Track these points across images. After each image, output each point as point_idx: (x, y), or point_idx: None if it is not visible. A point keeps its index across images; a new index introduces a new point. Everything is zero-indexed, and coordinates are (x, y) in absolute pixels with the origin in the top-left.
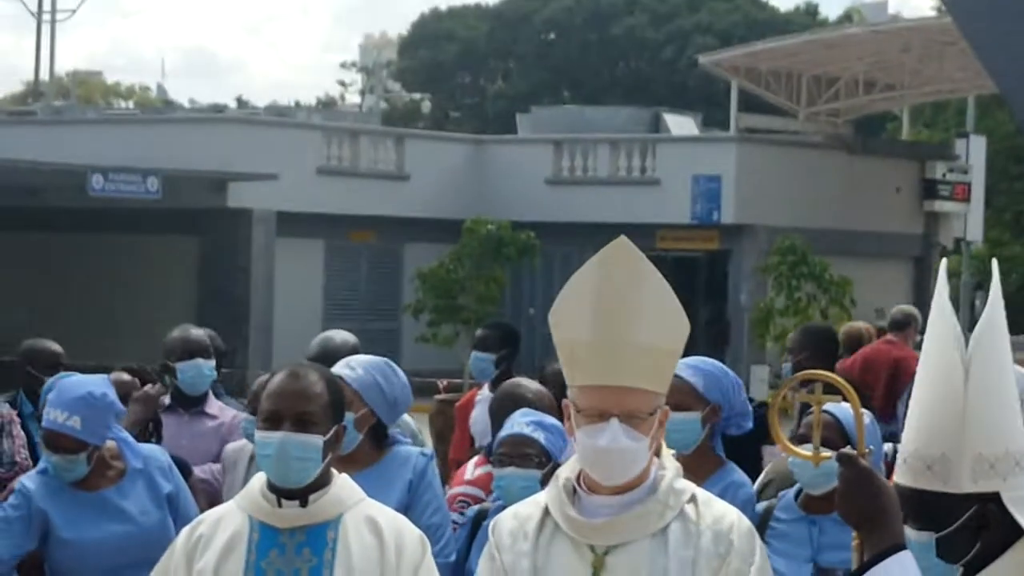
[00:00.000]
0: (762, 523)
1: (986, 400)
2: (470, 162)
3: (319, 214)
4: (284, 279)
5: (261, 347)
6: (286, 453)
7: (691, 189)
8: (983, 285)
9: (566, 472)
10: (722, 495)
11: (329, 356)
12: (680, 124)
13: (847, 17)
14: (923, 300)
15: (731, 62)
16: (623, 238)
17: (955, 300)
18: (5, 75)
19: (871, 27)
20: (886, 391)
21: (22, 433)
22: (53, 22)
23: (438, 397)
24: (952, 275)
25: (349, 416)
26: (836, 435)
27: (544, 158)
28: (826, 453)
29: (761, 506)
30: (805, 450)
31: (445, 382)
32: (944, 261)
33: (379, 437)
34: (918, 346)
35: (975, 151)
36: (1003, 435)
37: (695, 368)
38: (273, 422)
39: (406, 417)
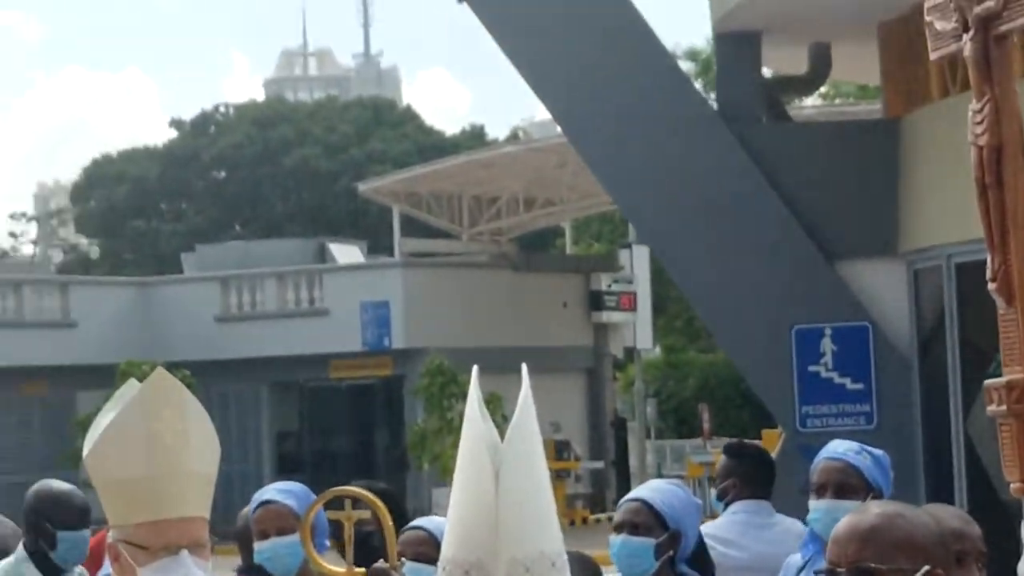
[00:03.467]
0: None
1: (518, 503)
2: (136, 305)
3: None
4: None
5: None
6: None
7: (360, 317)
8: (659, 393)
9: None
10: None
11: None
12: (345, 253)
13: (514, 137)
14: (598, 410)
15: (390, 188)
16: (161, 370)
17: (630, 407)
18: None
19: (526, 145)
20: None
21: None
22: None
23: None
24: (630, 384)
25: None
26: (430, 548)
27: (211, 296)
28: (359, 569)
29: None
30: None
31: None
32: (476, 369)
33: None
34: None
35: (639, 261)
36: (537, 537)
37: (286, 492)
38: None
39: None
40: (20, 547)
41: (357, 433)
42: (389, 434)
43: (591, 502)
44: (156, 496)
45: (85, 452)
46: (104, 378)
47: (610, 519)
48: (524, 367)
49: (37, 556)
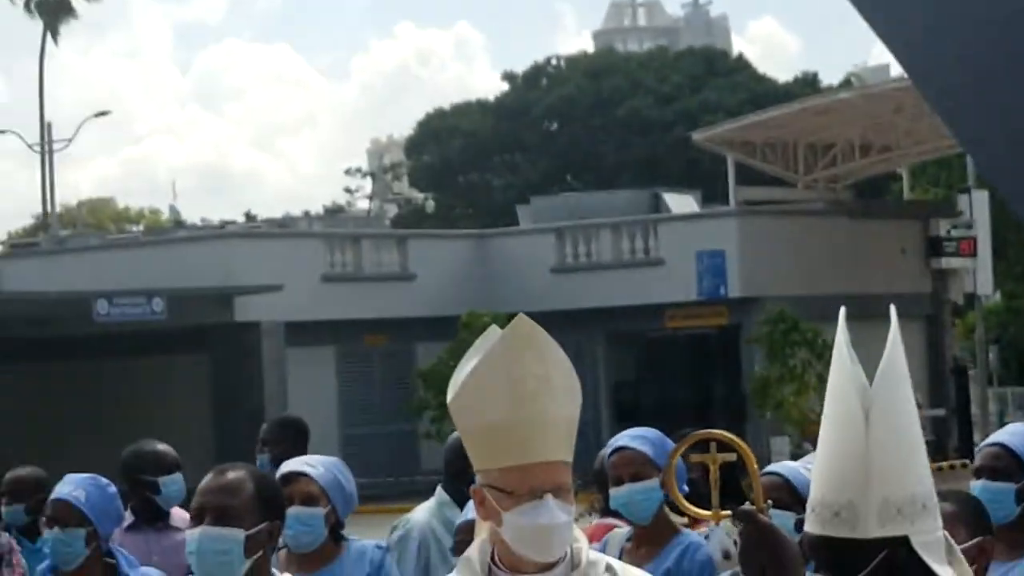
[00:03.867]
0: None
1: (888, 445)
2: (473, 257)
3: (327, 321)
4: (297, 388)
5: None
6: (204, 548)
7: (695, 266)
8: (1000, 339)
9: (475, 554)
10: (680, 558)
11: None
12: (680, 202)
13: (848, 83)
14: (938, 358)
15: (724, 136)
16: (522, 316)
17: (971, 354)
18: (19, 209)
19: (861, 91)
20: None
21: (23, 562)
22: (51, 152)
23: None
24: (970, 330)
25: (318, 512)
26: (786, 495)
27: (547, 247)
28: (725, 512)
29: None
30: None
31: None
32: (843, 311)
33: (335, 534)
34: None
35: (978, 206)
36: (908, 479)
37: (641, 438)
38: (197, 519)
39: None
40: (440, 490)
41: (694, 382)
42: (726, 383)
43: (933, 450)
44: (519, 441)
45: (449, 398)
46: (442, 330)
47: (952, 467)
48: (893, 308)
49: (458, 500)
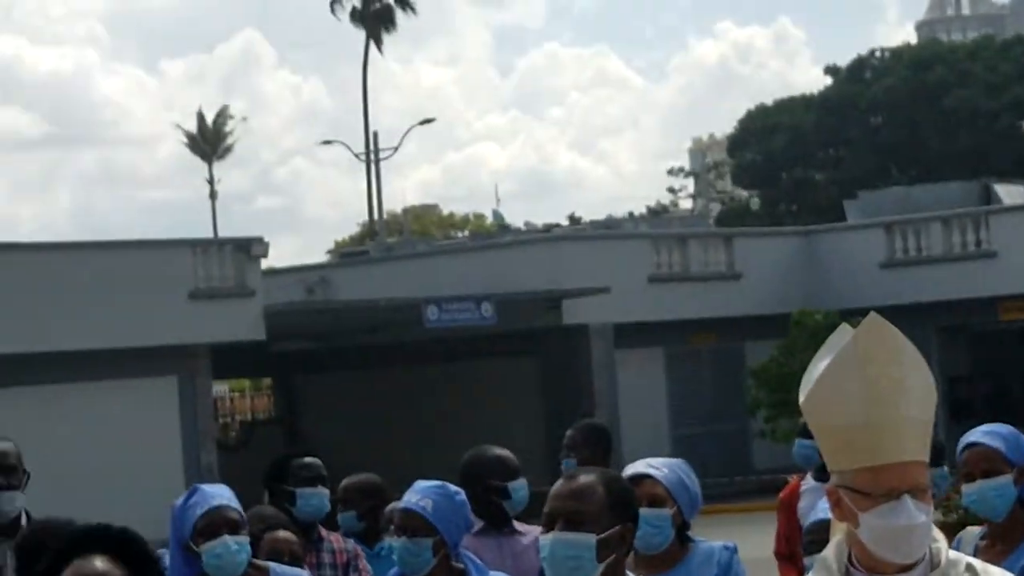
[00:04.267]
0: None
1: None
2: (800, 254)
3: (655, 322)
4: (627, 390)
5: (612, 459)
6: (556, 553)
7: None
8: None
9: (831, 555)
10: None
11: None
12: (1011, 193)
13: None
14: None
15: None
16: (874, 314)
17: None
18: (346, 217)
19: None
20: None
21: (368, 567)
22: (377, 161)
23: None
24: None
25: (664, 513)
26: None
27: (875, 242)
28: None
29: None
30: None
31: (794, 478)
32: None
33: (682, 535)
34: None
35: None
36: None
37: (993, 434)
38: (548, 524)
39: None
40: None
41: None
42: None
43: None
44: (874, 442)
45: (801, 398)
46: (771, 328)
47: None
48: None
49: None
